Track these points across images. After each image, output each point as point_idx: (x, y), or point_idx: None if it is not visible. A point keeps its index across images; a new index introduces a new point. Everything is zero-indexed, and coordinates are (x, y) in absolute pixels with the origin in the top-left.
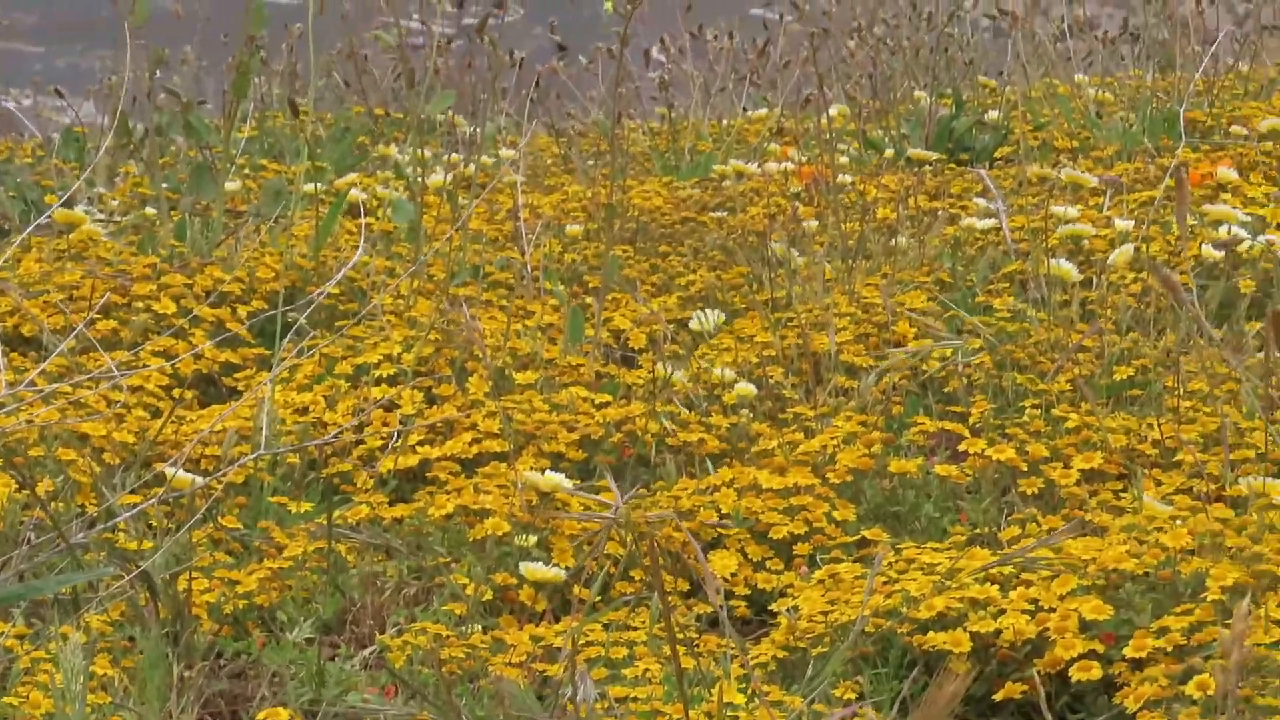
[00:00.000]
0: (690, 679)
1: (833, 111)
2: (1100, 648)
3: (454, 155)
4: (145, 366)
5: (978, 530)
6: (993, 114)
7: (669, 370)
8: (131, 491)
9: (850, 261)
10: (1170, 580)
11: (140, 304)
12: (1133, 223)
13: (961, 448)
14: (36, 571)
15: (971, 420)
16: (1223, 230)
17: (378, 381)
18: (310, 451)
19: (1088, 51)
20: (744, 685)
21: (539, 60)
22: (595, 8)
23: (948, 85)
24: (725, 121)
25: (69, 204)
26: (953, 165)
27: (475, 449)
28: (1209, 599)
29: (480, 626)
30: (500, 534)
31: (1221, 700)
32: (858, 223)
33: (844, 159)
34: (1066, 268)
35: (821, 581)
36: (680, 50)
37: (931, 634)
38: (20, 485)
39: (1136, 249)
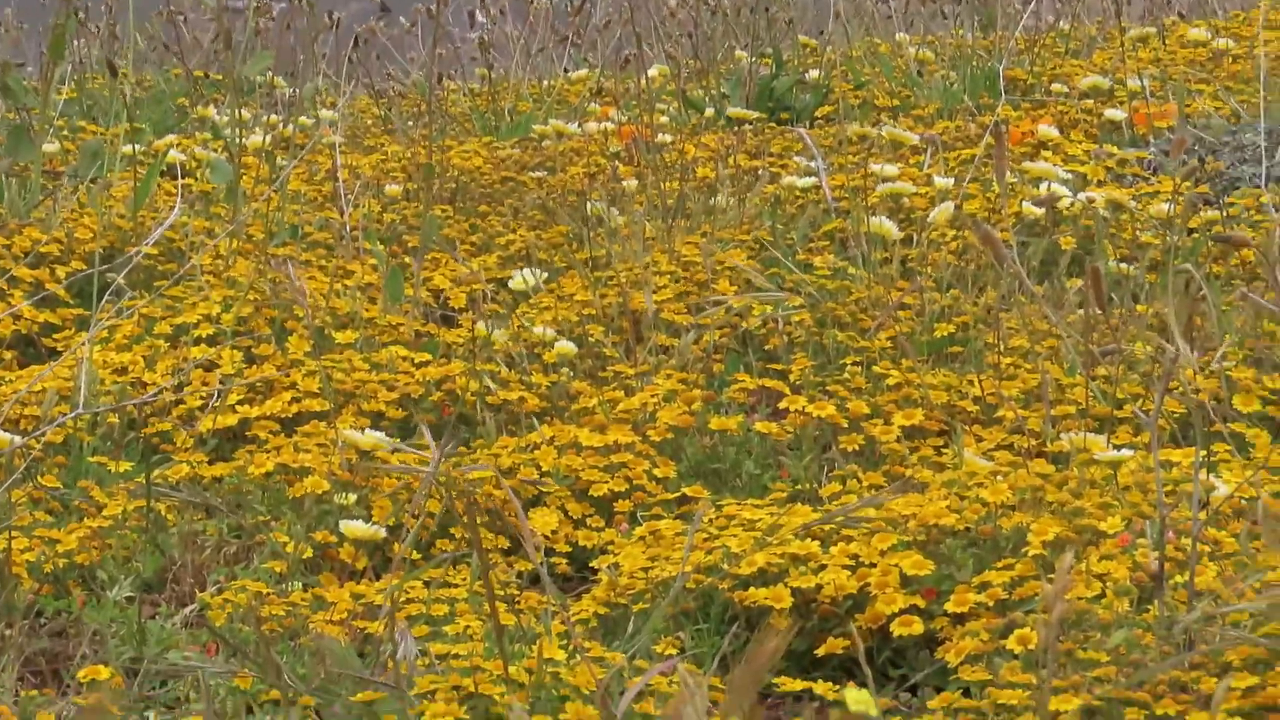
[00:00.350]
0: (511, 635)
1: (653, 71)
2: (921, 603)
3: (273, 116)
4: None
5: (799, 487)
6: (813, 73)
7: (489, 329)
8: None
9: (670, 220)
10: (991, 535)
11: None
12: (953, 180)
13: (782, 405)
14: None
15: (792, 377)
16: (1043, 188)
17: (197, 341)
18: (129, 411)
19: (908, 10)
20: (565, 642)
21: (359, 22)
22: None
23: (768, 45)
24: (546, 82)
25: None
26: (773, 125)
27: (295, 408)
28: (1030, 554)
29: (300, 584)
30: (320, 492)
31: (1042, 654)
32: (677, 182)
33: (664, 119)
34: (887, 225)
35: (642, 538)
36: (501, 11)
37: (752, 590)
38: None
39: (957, 206)
